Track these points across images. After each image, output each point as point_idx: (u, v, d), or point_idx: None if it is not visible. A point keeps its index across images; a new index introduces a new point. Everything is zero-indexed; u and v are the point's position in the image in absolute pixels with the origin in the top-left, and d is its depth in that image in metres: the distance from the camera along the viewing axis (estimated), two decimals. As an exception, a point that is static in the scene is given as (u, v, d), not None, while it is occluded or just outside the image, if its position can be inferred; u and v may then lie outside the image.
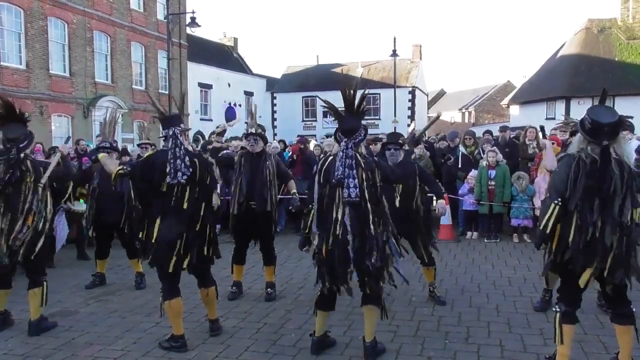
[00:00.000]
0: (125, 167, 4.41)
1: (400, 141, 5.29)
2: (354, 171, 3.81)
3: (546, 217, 3.50)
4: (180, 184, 4.19)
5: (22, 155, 4.67)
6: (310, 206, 4.16)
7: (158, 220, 4.19)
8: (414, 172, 5.27)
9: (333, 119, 4.15)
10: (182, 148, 4.23)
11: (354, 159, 3.85)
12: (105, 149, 6.07)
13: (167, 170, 4.14)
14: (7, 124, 4.72)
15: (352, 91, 3.94)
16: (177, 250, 4.19)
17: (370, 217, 3.86)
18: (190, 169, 4.21)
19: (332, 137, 4.48)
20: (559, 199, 3.46)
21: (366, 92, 4.04)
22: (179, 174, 4.15)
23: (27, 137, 4.76)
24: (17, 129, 4.72)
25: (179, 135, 4.26)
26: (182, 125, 4.38)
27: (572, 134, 4.50)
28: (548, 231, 3.50)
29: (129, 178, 4.48)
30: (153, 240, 4.19)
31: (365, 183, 3.86)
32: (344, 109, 4.00)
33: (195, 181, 4.27)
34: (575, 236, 3.42)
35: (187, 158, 4.22)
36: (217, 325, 4.69)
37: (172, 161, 4.16)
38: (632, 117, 4.59)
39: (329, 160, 4.01)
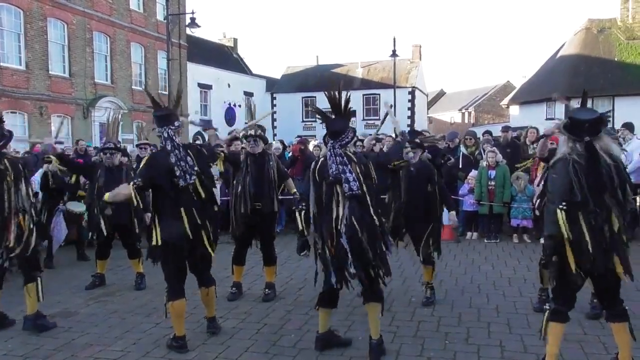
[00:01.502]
0: (136, 181, 4.16)
1: (418, 140, 5.39)
2: (349, 166, 3.87)
3: (559, 223, 3.39)
4: (190, 184, 4.22)
5: None
6: (300, 206, 4.18)
7: (169, 219, 4.19)
8: (431, 172, 5.43)
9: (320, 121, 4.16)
10: (180, 149, 4.23)
11: (344, 156, 3.91)
12: (110, 149, 6.10)
13: (177, 174, 4.15)
14: None
15: (336, 93, 3.97)
16: (190, 246, 4.23)
17: (372, 209, 3.92)
18: (195, 168, 4.25)
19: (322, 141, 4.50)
20: (564, 203, 3.40)
21: (349, 93, 4.04)
22: (187, 176, 4.18)
23: (3, 137, 4.69)
24: None
25: (174, 137, 4.25)
26: (176, 123, 4.32)
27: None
28: (567, 237, 3.39)
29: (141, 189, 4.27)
30: (165, 240, 4.19)
31: (361, 176, 3.93)
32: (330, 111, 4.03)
33: (199, 175, 4.29)
34: (593, 238, 3.36)
35: (188, 158, 4.23)
36: (215, 324, 4.70)
37: (177, 164, 4.16)
38: (609, 113, 4.58)
39: (320, 161, 4.06)
